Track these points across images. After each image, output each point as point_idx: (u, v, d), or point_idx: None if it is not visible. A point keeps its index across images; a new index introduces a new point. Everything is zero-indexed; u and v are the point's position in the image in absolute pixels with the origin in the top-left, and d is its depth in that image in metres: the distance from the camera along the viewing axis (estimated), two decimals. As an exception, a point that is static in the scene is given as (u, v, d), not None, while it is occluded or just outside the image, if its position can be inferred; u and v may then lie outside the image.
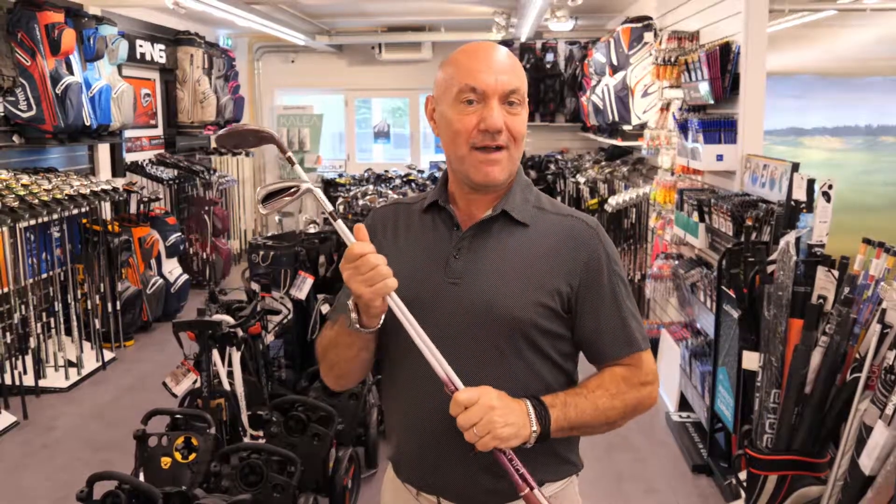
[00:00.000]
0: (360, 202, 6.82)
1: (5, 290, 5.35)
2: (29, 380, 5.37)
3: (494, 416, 1.46)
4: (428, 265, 1.64)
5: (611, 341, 1.64)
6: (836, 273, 2.96)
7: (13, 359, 5.28)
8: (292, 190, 1.53)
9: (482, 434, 1.46)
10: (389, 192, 7.45)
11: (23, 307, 5.45)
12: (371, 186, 8.24)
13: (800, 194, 3.47)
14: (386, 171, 10.33)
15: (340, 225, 1.51)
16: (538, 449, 1.55)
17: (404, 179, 9.67)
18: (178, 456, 3.26)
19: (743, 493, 3.12)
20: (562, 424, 1.56)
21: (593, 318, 1.63)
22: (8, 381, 5.17)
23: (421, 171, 10.46)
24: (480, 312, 1.59)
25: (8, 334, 5.30)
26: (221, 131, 1.60)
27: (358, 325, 1.55)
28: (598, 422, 1.61)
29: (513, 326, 1.59)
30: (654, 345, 5.65)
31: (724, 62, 4.53)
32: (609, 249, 1.66)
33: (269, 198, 1.53)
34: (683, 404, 4.89)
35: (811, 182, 3.44)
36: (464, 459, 1.59)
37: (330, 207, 1.52)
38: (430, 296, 1.61)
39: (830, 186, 3.22)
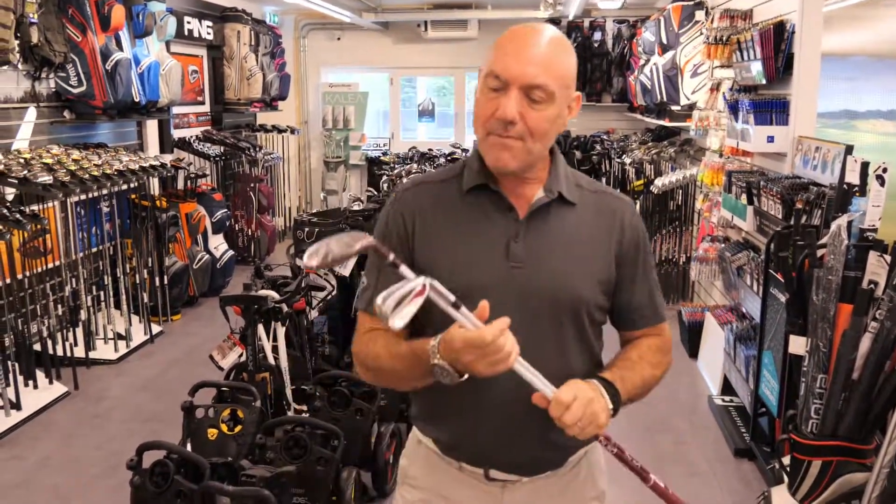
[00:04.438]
0: (405, 181, 6.83)
1: (57, 263, 5.47)
2: (80, 352, 5.49)
3: (595, 407, 1.50)
4: (487, 251, 1.61)
5: (642, 313, 1.74)
6: (888, 258, 2.90)
7: (64, 331, 5.41)
8: (417, 291, 1.36)
9: (586, 426, 1.49)
10: (433, 171, 7.45)
11: (73, 280, 5.57)
12: (415, 165, 8.26)
13: (853, 177, 3.40)
14: (430, 149, 10.33)
15: (465, 313, 1.40)
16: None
17: (448, 158, 9.64)
18: (224, 428, 3.32)
19: (786, 478, 3.09)
20: (623, 399, 1.60)
21: (628, 291, 1.72)
22: (60, 352, 5.29)
23: (465, 150, 10.44)
24: (547, 295, 1.60)
25: (59, 307, 5.42)
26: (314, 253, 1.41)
27: (457, 379, 1.47)
28: (643, 392, 1.70)
29: (578, 305, 1.63)
30: (699, 328, 5.60)
31: (778, 42, 4.44)
32: (642, 225, 1.75)
33: (397, 308, 1.35)
34: (726, 388, 4.83)
35: (865, 165, 3.36)
36: (522, 436, 1.64)
37: (452, 298, 1.40)
38: (494, 281, 1.58)
39: (885, 170, 3.15)
